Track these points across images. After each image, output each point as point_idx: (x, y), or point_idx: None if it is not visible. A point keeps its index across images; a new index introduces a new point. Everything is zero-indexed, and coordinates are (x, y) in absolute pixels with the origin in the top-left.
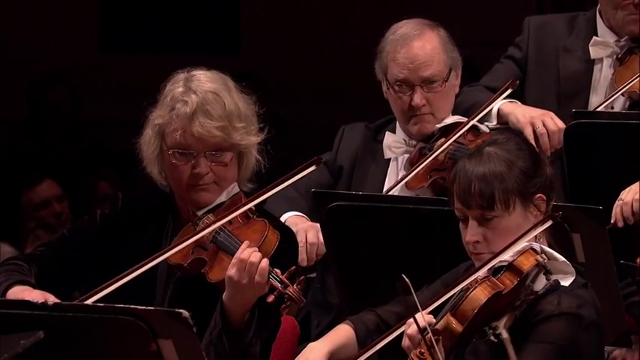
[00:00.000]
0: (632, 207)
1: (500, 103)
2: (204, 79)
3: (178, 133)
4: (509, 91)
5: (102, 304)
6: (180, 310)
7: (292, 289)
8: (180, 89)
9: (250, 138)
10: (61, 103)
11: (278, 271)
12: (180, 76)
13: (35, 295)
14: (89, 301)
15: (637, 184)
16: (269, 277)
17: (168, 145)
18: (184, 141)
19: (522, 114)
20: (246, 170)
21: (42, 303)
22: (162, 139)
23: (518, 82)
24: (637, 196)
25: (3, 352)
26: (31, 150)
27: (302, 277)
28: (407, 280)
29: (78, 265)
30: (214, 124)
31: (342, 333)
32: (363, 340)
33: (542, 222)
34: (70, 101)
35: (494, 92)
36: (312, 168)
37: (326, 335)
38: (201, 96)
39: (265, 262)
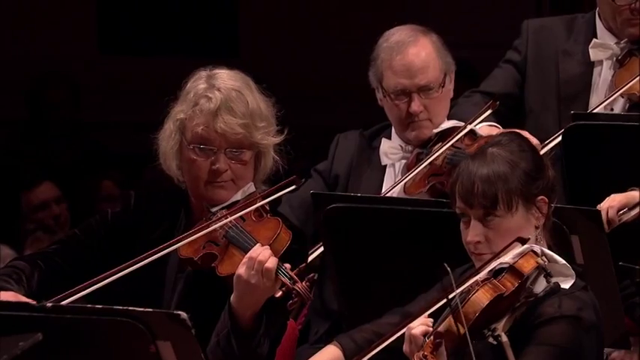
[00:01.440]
0: (607, 214)
1: (479, 126)
2: (227, 77)
3: (200, 128)
4: (488, 112)
5: (100, 306)
6: (179, 312)
7: (300, 286)
8: (204, 85)
9: (270, 138)
10: (61, 105)
11: (288, 266)
12: (203, 73)
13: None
14: (94, 288)
15: (620, 194)
16: (278, 274)
17: (188, 140)
18: (206, 136)
19: None
20: (263, 171)
21: (40, 305)
22: (183, 134)
23: (498, 102)
24: (613, 204)
25: (2, 353)
26: (30, 151)
27: (311, 275)
28: (448, 268)
29: (89, 263)
30: (237, 121)
31: (327, 356)
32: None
33: (510, 245)
34: (69, 103)
35: (492, 97)
36: (292, 188)
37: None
38: (225, 93)
39: (273, 260)
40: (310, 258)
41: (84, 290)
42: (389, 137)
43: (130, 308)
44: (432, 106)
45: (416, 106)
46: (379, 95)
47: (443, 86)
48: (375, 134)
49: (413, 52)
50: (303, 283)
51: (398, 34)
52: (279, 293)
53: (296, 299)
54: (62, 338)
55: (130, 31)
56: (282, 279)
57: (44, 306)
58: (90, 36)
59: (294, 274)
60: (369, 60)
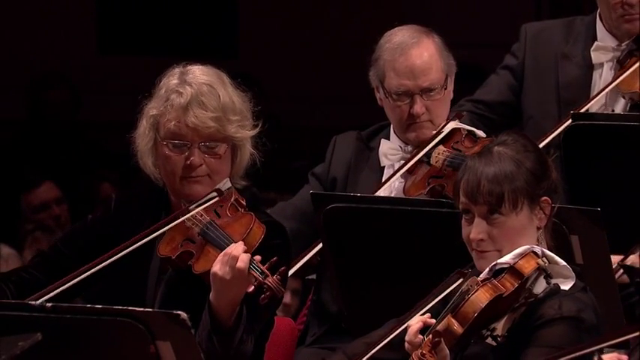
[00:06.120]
0: None
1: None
2: (200, 73)
3: (172, 123)
4: (454, 123)
5: (100, 306)
6: (179, 312)
7: (271, 280)
8: (175, 81)
9: (245, 131)
10: (60, 105)
11: (258, 258)
12: (176, 70)
13: None
14: (71, 283)
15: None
16: (250, 268)
17: (162, 136)
18: (178, 131)
19: None
20: (239, 165)
21: (40, 305)
22: (157, 130)
23: (464, 113)
24: None
25: (1, 353)
26: (30, 152)
27: (283, 268)
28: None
29: (70, 271)
30: (208, 114)
31: None
32: None
33: (451, 280)
34: (68, 103)
35: (487, 106)
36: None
37: None
38: (196, 88)
39: (245, 257)
40: (305, 259)
41: (61, 286)
42: (387, 138)
43: (130, 308)
44: (433, 107)
45: (418, 107)
46: (379, 95)
47: (445, 88)
48: (373, 135)
49: (416, 54)
50: (275, 277)
51: (400, 35)
52: (251, 288)
53: (268, 293)
54: (61, 338)
55: (130, 31)
56: (254, 274)
57: (44, 306)
58: (89, 36)
59: (266, 268)
60: (368, 60)
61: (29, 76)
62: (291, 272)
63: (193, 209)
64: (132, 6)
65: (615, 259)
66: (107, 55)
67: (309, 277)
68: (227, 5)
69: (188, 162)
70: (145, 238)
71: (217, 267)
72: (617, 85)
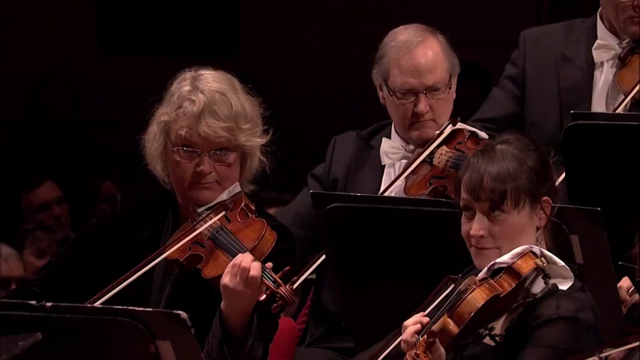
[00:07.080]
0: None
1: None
2: (212, 79)
3: (184, 130)
4: (449, 129)
5: (100, 306)
6: (179, 312)
7: (284, 289)
8: (188, 88)
9: (255, 139)
10: (60, 105)
11: (269, 265)
12: (188, 74)
13: None
14: (102, 300)
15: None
16: (262, 277)
17: (172, 142)
18: (190, 138)
19: None
20: (249, 171)
21: (40, 304)
22: (167, 136)
23: (458, 118)
24: (622, 285)
25: (1, 353)
26: (30, 152)
27: (295, 277)
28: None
29: (80, 279)
30: (221, 124)
31: None
32: None
33: (442, 286)
34: (68, 102)
35: (494, 123)
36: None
37: None
38: (209, 95)
39: (257, 266)
40: (306, 274)
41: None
42: (388, 136)
43: (130, 308)
44: (437, 106)
45: (423, 106)
46: (382, 94)
47: (449, 87)
48: (373, 134)
49: (421, 52)
50: (287, 287)
51: (406, 33)
52: (263, 296)
53: (280, 302)
54: (61, 338)
55: (130, 31)
56: (267, 282)
57: (44, 306)
58: (89, 36)
59: (278, 277)
60: (368, 60)
61: (29, 76)
62: (294, 286)
63: (203, 215)
64: (132, 6)
65: (625, 282)
66: (107, 54)
67: (309, 276)
68: (227, 4)
69: (198, 169)
70: (168, 250)
71: (227, 279)
72: (619, 83)
